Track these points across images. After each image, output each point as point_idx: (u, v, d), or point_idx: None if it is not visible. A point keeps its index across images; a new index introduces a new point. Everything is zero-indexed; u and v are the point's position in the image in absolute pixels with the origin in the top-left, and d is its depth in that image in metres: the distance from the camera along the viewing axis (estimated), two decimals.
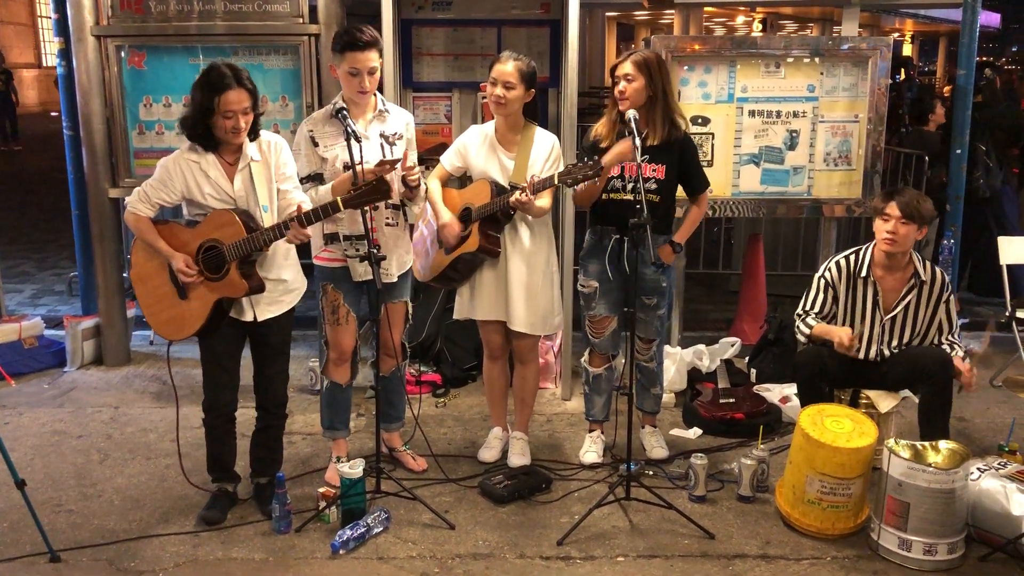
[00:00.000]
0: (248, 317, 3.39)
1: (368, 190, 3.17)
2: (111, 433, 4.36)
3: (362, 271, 3.57)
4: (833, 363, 3.76)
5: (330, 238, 3.59)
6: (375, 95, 3.57)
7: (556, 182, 3.50)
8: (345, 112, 3.41)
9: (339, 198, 3.20)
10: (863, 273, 3.79)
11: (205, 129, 3.24)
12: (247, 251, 3.23)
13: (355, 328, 3.72)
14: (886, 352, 3.82)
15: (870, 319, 3.82)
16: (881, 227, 3.69)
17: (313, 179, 3.55)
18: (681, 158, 3.76)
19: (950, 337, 3.80)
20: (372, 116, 3.57)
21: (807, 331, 3.84)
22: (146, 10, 4.87)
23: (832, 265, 3.87)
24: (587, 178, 3.44)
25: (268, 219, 3.31)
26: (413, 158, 3.71)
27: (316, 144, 3.52)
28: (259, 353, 3.53)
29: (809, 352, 3.83)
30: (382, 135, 3.54)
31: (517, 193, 3.51)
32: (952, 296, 3.82)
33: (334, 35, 3.50)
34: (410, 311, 3.83)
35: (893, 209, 3.64)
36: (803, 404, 3.75)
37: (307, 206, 3.29)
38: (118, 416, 4.56)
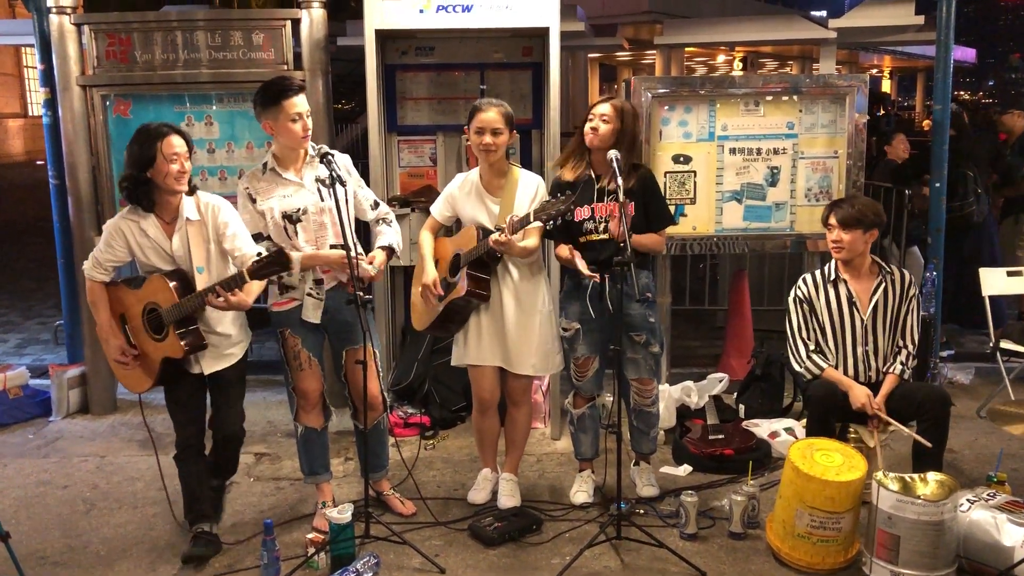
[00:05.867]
0: (196, 371, 3.53)
1: (268, 262, 3.20)
2: (97, 483, 4.32)
3: (311, 312, 3.61)
4: (845, 398, 3.80)
5: (285, 287, 3.63)
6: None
7: (532, 220, 3.52)
8: (331, 157, 3.46)
9: (244, 269, 3.25)
10: (832, 277, 3.93)
11: (145, 185, 3.38)
12: (179, 315, 3.37)
13: (319, 371, 3.71)
14: (870, 354, 3.86)
15: (849, 321, 3.88)
16: (828, 237, 3.92)
17: (256, 239, 3.56)
18: (645, 190, 3.79)
19: (909, 348, 3.87)
20: (303, 164, 3.61)
21: (817, 372, 3.88)
22: (131, 59, 4.92)
23: (800, 282, 4.00)
24: (560, 213, 3.46)
25: (202, 281, 3.43)
26: (369, 198, 3.77)
27: (254, 200, 3.56)
28: (215, 395, 3.67)
29: (823, 386, 3.84)
30: (317, 179, 3.51)
31: (496, 234, 3.54)
32: (918, 297, 3.93)
33: (260, 90, 3.51)
34: (378, 356, 3.77)
35: (832, 219, 3.87)
36: (809, 436, 3.77)
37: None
38: (104, 465, 4.52)
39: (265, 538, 3.37)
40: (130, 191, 3.41)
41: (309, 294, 3.62)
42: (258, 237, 3.56)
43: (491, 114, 3.64)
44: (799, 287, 3.98)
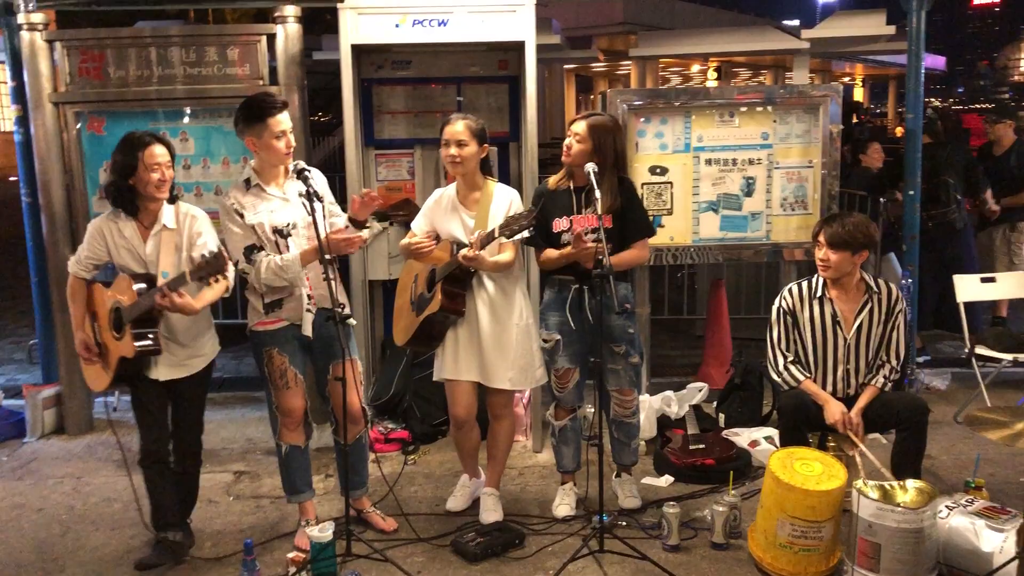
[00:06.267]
0: (154, 376, 3.55)
1: (203, 263, 3.22)
2: (73, 504, 4.26)
3: (309, 326, 3.61)
4: (817, 410, 3.80)
5: (271, 307, 3.60)
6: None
7: (497, 235, 3.51)
8: (307, 173, 3.46)
9: (186, 270, 3.29)
10: (819, 294, 3.88)
11: (128, 192, 3.47)
12: (134, 314, 3.40)
13: (303, 389, 3.69)
14: (851, 372, 3.86)
15: (832, 340, 3.86)
16: (816, 254, 3.85)
17: (252, 250, 3.53)
18: (622, 202, 3.79)
19: (892, 363, 3.85)
20: (285, 179, 3.61)
21: (794, 383, 3.87)
22: (105, 76, 4.88)
23: (785, 292, 3.96)
24: (523, 228, 3.44)
25: None
26: (340, 215, 3.73)
27: (241, 215, 3.54)
28: (175, 405, 3.68)
29: (795, 397, 3.85)
30: (300, 194, 3.52)
31: (464, 250, 3.54)
32: (905, 312, 3.89)
33: (244, 107, 3.52)
34: (359, 370, 3.77)
35: (821, 237, 3.80)
36: (783, 447, 3.77)
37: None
38: (80, 486, 4.46)
39: (245, 558, 3.33)
40: (114, 197, 3.51)
41: (308, 310, 3.60)
42: (252, 248, 3.53)
43: (456, 126, 3.66)
44: (784, 298, 3.95)
